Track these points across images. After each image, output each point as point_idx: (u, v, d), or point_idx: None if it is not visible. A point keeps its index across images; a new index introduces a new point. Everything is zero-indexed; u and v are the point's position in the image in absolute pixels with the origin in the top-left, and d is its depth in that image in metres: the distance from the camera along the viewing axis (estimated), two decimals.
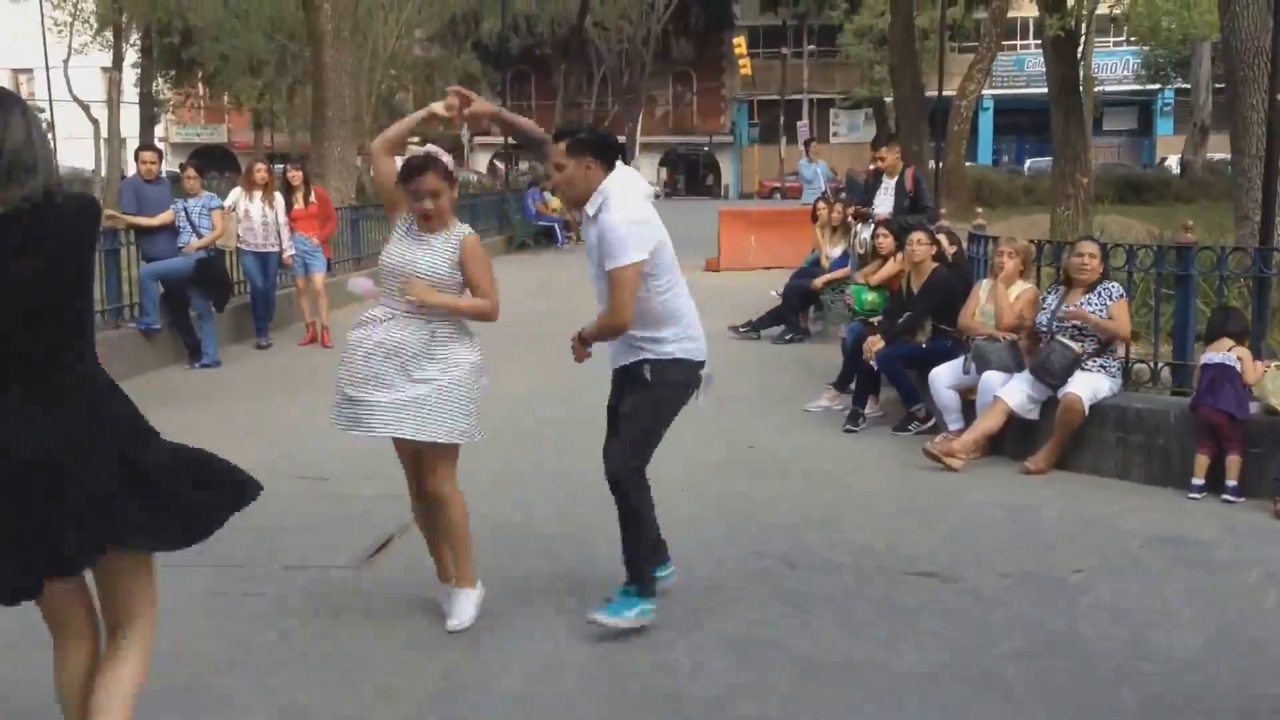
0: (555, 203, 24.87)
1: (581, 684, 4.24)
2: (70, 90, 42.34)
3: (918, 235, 8.49)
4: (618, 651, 4.51)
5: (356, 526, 6.07)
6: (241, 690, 4.18)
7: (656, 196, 18.81)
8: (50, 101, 41.44)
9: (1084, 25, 26.51)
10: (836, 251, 12.10)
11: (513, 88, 57.75)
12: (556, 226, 24.22)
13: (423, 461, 4.73)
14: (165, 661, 4.40)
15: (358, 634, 4.70)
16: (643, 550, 4.70)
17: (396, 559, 5.64)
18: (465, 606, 4.74)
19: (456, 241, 4.62)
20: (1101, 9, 32.21)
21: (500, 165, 45.19)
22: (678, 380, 4.69)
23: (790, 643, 4.59)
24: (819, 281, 11.94)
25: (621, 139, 56.32)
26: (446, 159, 4.66)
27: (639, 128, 57.82)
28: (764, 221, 20.23)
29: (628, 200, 4.50)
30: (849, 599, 5.06)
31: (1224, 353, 6.61)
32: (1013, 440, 7.33)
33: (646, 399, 4.64)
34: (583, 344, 4.77)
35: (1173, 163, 42.97)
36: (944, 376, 7.67)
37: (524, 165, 49.28)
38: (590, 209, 4.54)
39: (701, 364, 4.78)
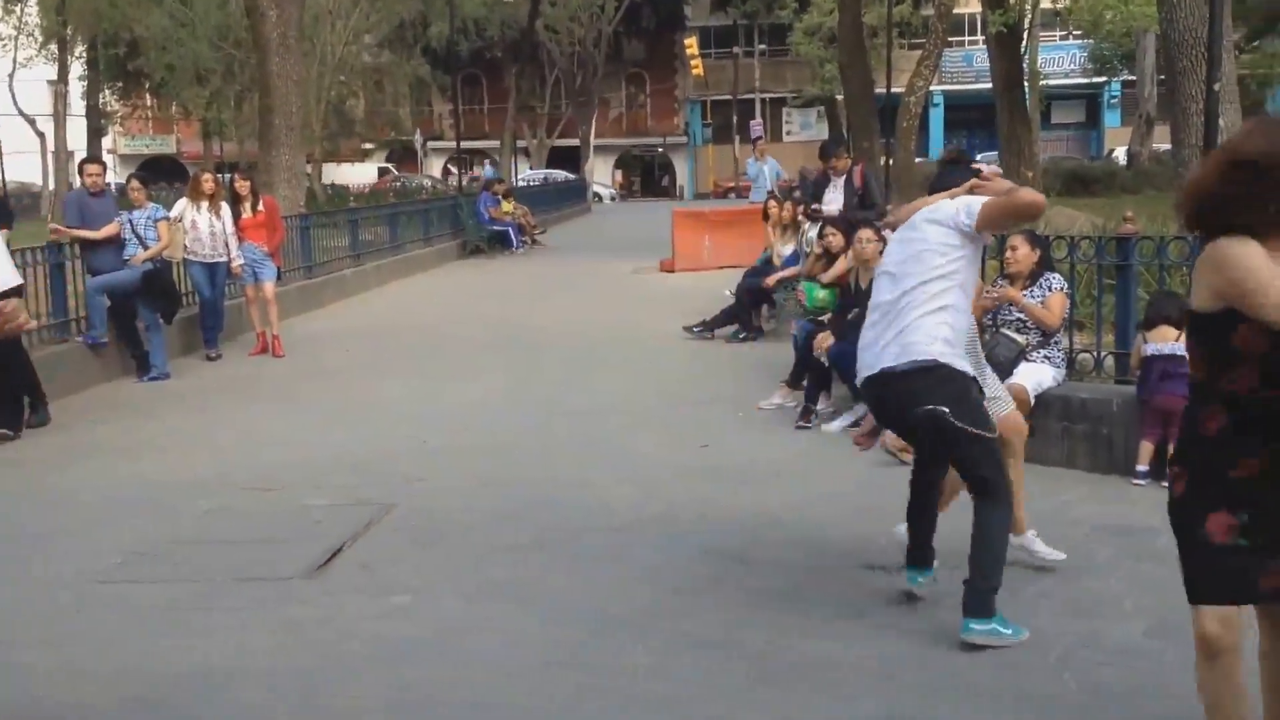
0: (508, 207, 24.82)
1: (538, 690, 4.24)
2: (15, 104, 41.81)
3: (865, 232, 8.53)
4: (573, 656, 4.51)
5: (308, 536, 6.04)
6: (201, 704, 4.14)
7: (613, 199, 18.86)
8: None
9: (1028, 20, 26.77)
10: (788, 250, 12.15)
11: (464, 92, 57.60)
12: (511, 231, 24.15)
13: None
14: (123, 678, 4.38)
15: (312, 645, 4.68)
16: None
17: (348, 567, 5.61)
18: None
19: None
20: (1045, 3, 32.50)
21: (454, 170, 45.03)
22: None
23: (748, 641, 4.61)
24: (771, 280, 11.98)
25: (575, 142, 56.47)
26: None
27: (593, 130, 57.81)
28: (718, 221, 20.26)
29: None
30: (805, 596, 5.09)
31: (1171, 343, 6.70)
32: None
33: None
34: None
35: (1120, 154, 43.44)
36: None
37: (478, 170, 49.19)
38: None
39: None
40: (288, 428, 8.78)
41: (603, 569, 5.50)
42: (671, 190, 61.37)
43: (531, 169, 54.32)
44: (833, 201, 10.92)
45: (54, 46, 40.62)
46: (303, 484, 7.06)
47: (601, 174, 59.09)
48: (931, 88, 31.05)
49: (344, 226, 18.51)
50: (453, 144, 33.19)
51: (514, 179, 43.30)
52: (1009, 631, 4.51)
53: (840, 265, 9.53)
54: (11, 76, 42.30)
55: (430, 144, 58.86)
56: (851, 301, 8.63)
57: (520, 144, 56.54)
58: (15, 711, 4.17)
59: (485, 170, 41.40)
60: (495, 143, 55.42)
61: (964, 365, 4.68)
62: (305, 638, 4.76)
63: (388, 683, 4.30)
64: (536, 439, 8.18)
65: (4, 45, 41.37)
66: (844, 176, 10.92)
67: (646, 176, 64.48)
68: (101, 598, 5.25)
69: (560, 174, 50.41)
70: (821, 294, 9.49)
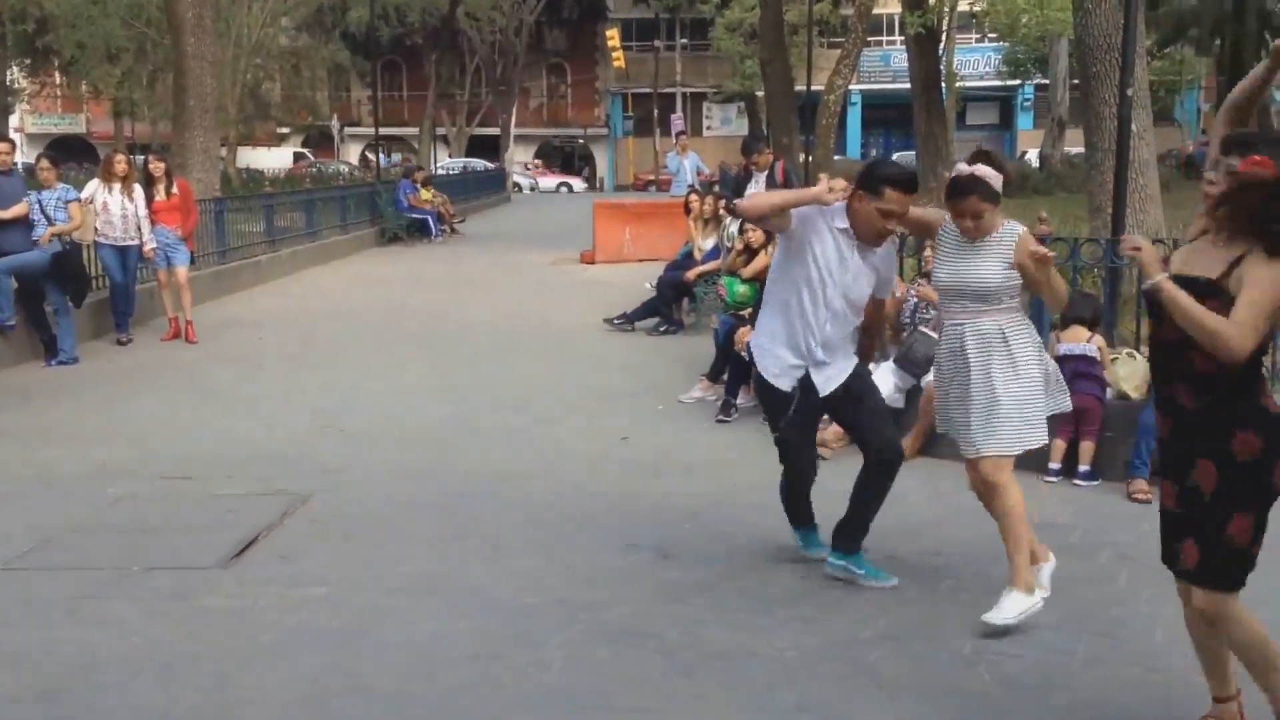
0: (427, 195, 24.60)
1: (456, 681, 4.22)
2: None
3: None
4: (491, 648, 4.49)
5: (222, 526, 5.94)
6: (104, 696, 4.06)
7: (531, 189, 18.76)
8: None
9: (945, 23, 27.15)
10: (709, 244, 12.20)
11: (383, 78, 56.95)
12: (430, 219, 23.96)
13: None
14: (24, 666, 4.28)
15: (224, 635, 4.60)
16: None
17: (263, 557, 5.53)
18: (1005, 604, 4.67)
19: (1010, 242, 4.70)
20: (962, 6, 32.98)
21: (371, 156, 44.53)
22: None
23: (666, 633, 4.63)
24: (692, 274, 12.03)
25: (495, 131, 56.13)
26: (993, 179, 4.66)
27: (513, 119, 57.52)
28: (638, 214, 20.28)
29: None
30: (723, 589, 5.12)
31: (1083, 343, 6.84)
32: None
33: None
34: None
35: (1032, 156, 44.24)
36: None
37: (396, 157, 48.68)
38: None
39: None
40: (201, 415, 8.62)
41: (520, 560, 5.49)
42: (593, 182, 61.30)
43: (450, 157, 53.91)
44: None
45: None
46: (216, 472, 6.95)
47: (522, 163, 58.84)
48: (850, 87, 31.39)
49: (259, 211, 18.22)
50: (371, 130, 32.80)
51: (433, 167, 42.96)
52: (861, 571, 5.10)
53: (761, 260, 9.59)
54: None
55: (348, 130, 58.13)
56: None
57: (440, 132, 56.09)
58: None
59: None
60: (414, 130, 54.94)
61: (764, 362, 5.13)
62: (217, 628, 4.68)
63: (301, 674, 4.25)
64: (455, 430, 8.12)
65: None
66: (766, 172, 11.01)
67: (566, 167, 64.34)
68: (4, 585, 5.11)
69: (480, 163, 50.08)
70: (742, 289, 9.54)
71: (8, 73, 42.03)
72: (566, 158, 64.10)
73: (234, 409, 8.80)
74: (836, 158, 31.70)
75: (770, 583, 5.21)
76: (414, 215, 23.86)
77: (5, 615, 4.79)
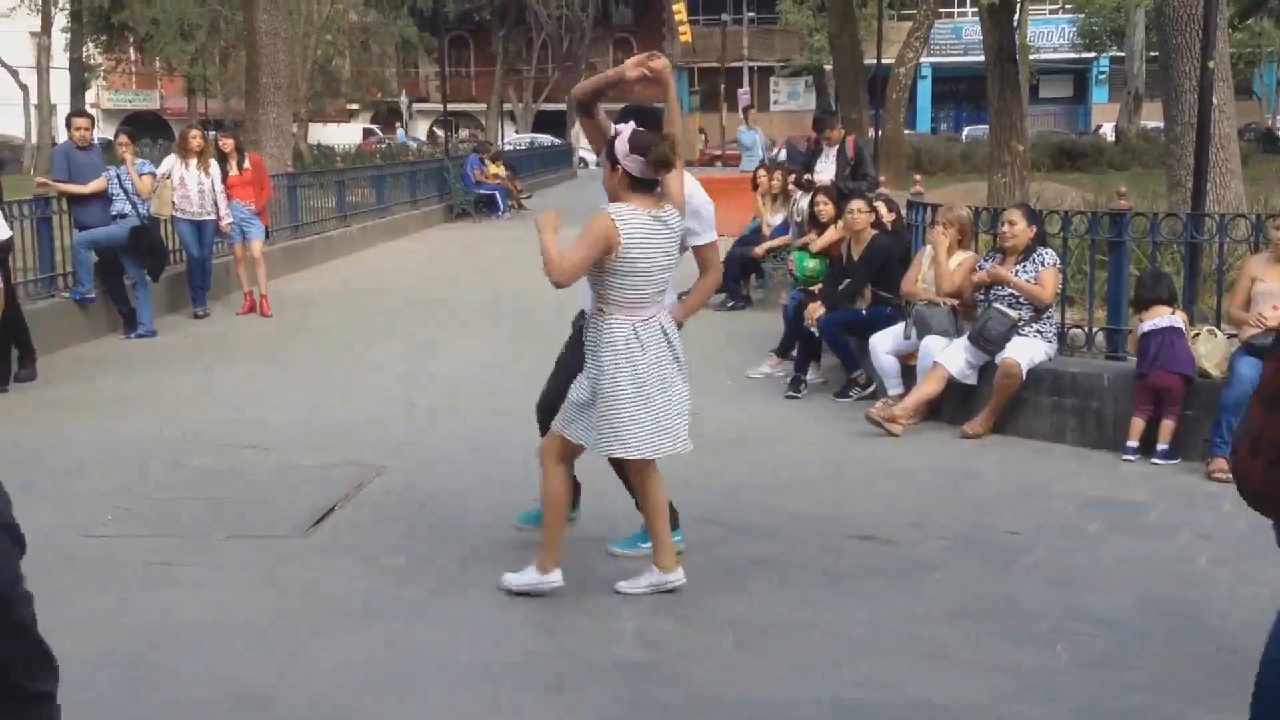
0: (494, 169, 24.69)
1: (526, 651, 4.25)
2: None
3: (857, 203, 8.54)
4: (561, 619, 4.53)
5: (298, 496, 6.03)
6: (182, 662, 4.14)
7: (597, 165, 18.66)
8: None
9: None
10: (777, 219, 12.13)
11: (450, 54, 57.16)
12: (498, 195, 24.07)
13: None
14: (105, 632, 4.38)
15: (301, 604, 4.68)
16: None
17: (340, 528, 5.61)
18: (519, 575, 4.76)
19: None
20: None
21: (440, 132, 44.76)
22: None
23: (731, 608, 4.63)
24: (760, 249, 11.97)
25: (561, 107, 56.15)
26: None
27: None
28: (706, 190, 20.18)
29: None
30: (788, 564, 5.11)
31: (1167, 316, 6.73)
32: (951, 405, 7.42)
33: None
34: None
35: (1107, 130, 43.48)
36: (883, 343, 7.75)
37: (464, 133, 48.93)
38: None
39: None
40: (276, 387, 8.74)
41: (587, 532, 5.51)
42: None
43: (517, 133, 54.07)
44: (824, 172, 10.92)
45: None
46: (292, 443, 7.05)
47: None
48: (920, 59, 31.02)
49: (331, 187, 18.42)
50: (438, 106, 33.00)
51: (500, 143, 43.11)
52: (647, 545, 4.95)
53: (831, 235, 9.53)
54: None
55: (416, 106, 58.47)
56: (843, 272, 8.65)
57: (506, 108, 56.24)
58: None
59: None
60: (481, 106, 55.26)
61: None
62: (295, 597, 4.76)
63: (378, 643, 4.30)
64: (525, 403, 8.10)
65: None
66: (836, 147, 10.92)
67: None
68: (87, 552, 5.23)
69: (546, 138, 50.17)
70: (811, 264, 9.48)
71: (84, 49, 42.75)
72: None
73: (308, 381, 8.92)
74: (906, 132, 31.38)
75: (838, 558, 5.18)
76: (482, 191, 23.98)
77: (87, 582, 4.90)
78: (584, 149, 53.93)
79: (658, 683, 4.01)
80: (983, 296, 7.39)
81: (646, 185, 4.55)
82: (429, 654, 4.22)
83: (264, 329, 11.38)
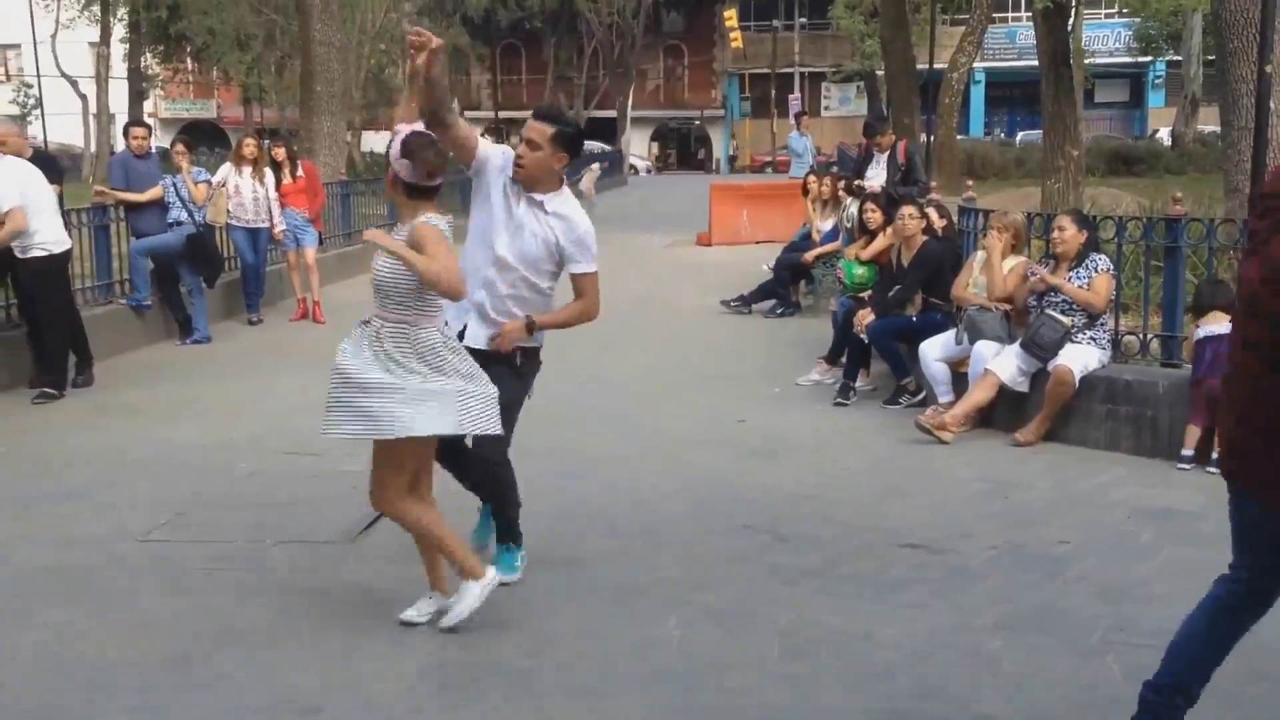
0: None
1: (572, 658, 4.26)
2: (58, 65, 42.05)
3: (908, 209, 8.49)
4: (606, 626, 4.53)
5: (347, 502, 6.06)
6: (233, 666, 4.19)
7: (648, 171, 18.61)
8: (38, 77, 41.13)
9: None
10: (827, 225, 12.09)
11: (502, 62, 57.50)
12: None
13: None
14: (155, 636, 4.43)
15: (352, 609, 4.72)
16: (511, 510, 4.98)
17: (388, 534, 5.63)
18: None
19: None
20: None
21: (491, 140, 44.96)
22: (532, 370, 4.99)
23: (778, 615, 4.61)
24: (810, 255, 11.93)
25: (612, 114, 56.22)
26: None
27: (630, 102, 57.60)
28: (756, 196, 20.19)
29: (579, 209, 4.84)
30: (838, 573, 5.08)
31: (1225, 323, 6.62)
32: (1003, 412, 7.35)
33: (514, 382, 4.79)
34: (528, 331, 4.78)
35: (1164, 135, 42.92)
36: (933, 350, 7.70)
37: (514, 140, 49.05)
38: (549, 204, 4.70)
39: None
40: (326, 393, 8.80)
41: (631, 541, 5.51)
42: (707, 164, 61.14)
43: None
44: (875, 178, 10.88)
45: (96, 7, 40.79)
46: (342, 450, 7.07)
47: (638, 146, 58.92)
48: (973, 64, 30.77)
49: (383, 194, 18.54)
50: (489, 114, 33.16)
51: None
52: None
53: (880, 242, 9.48)
54: (54, 37, 42.53)
55: (467, 114, 58.80)
56: (893, 279, 8.59)
57: None
58: (40, 664, 4.24)
59: None
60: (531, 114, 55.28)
61: None
62: (345, 602, 4.80)
63: (425, 649, 4.32)
64: (568, 410, 8.17)
65: (47, 6, 41.60)
66: (887, 153, 10.87)
67: (682, 149, 64.24)
68: (139, 556, 5.30)
69: (596, 145, 50.29)
70: (861, 271, 9.43)
71: (142, 59, 43.41)
72: (683, 140, 64.01)
73: None
74: (960, 138, 31.13)
75: (885, 568, 5.15)
76: None
77: (138, 585, 4.96)
78: (634, 156, 54.10)
79: (701, 691, 3.99)
80: (1036, 303, 7.32)
81: (426, 193, 4.34)
82: (476, 660, 4.23)
83: (317, 335, 11.49)
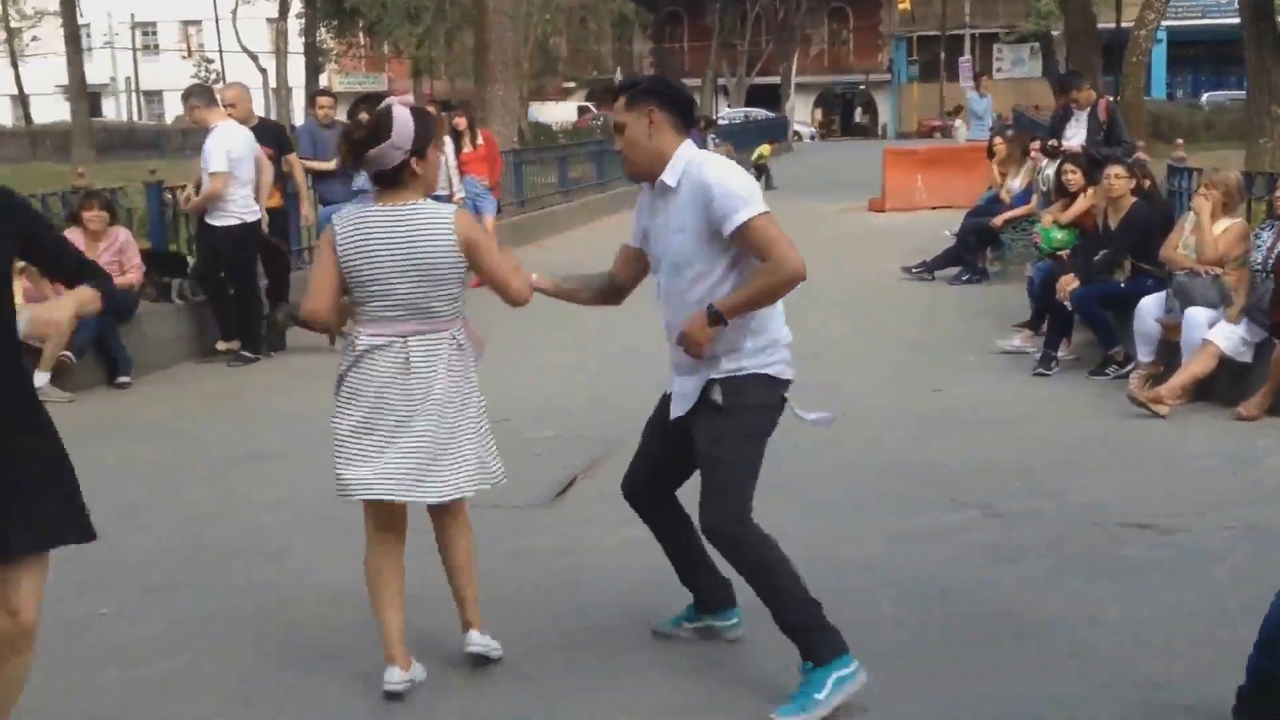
0: (726, 148, 24.63)
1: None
2: (239, 40, 43.51)
3: (1115, 169, 8.02)
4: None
5: (539, 467, 6.02)
6: (426, 619, 4.14)
7: (813, 138, 18.18)
8: (220, 52, 42.64)
9: None
10: (1017, 185, 11.59)
11: (665, 29, 57.37)
12: None
13: None
14: (350, 601, 4.39)
15: (554, 572, 4.69)
16: (792, 611, 3.61)
17: (584, 498, 5.59)
18: None
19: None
20: None
21: None
22: (758, 402, 3.68)
23: (1000, 596, 4.36)
24: (999, 219, 11.46)
25: (774, 80, 55.58)
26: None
27: (794, 67, 56.83)
28: (931, 160, 19.63)
29: (730, 163, 3.66)
30: (1060, 552, 4.79)
31: None
32: (1223, 384, 6.89)
33: (727, 431, 3.63)
34: (712, 323, 3.51)
35: None
36: (1153, 308, 7.26)
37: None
38: (669, 177, 3.61)
39: (788, 384, 3.79)
40: (510, 360, 8.80)
41: (833, 514, 5.32)
42: (873, 129, 59.98)
43: (730, 107, 53.85)
44: (1074, 137, 10.32)
45: None
46: (526, 416, 7.06)
47: (801, 112, 58.16)
48: (1160, 21, 29.32)
49: (553, 163, 18.63)
50: None
51: (715, 117, 42.97)
52: None
53: (1080, 204, 9.04)
54: (234, 14, 44.02)
55: None
56: (1097, 243, 8.16)
57: (720, 82, 56.05)
58: (237, 621, 4.32)
59: None
60: (694, 80, 55.01)
61: None
62: (546, 565, 4.76)
63: (631, 613, 4.24)
64: None
65: None
66: (1087, 110, 10.31)
67: (847, 115, 63.19)
68: (330, 519, 5.33)
69: (760, 112, 49.80)
70: (1060, 235, 9.00)
71: (317, 34, 44.61)
72: (847, 105, 62.97)
73: (539, 355, 8.96)
74: (1144, 98, 29.74)
75: (1112, 547, 4.84)
76: None
77: (325, 553, 4.98)
78: (799, 123, 53.41)
79: (924, 678, 3.78)
80: (1260, 267, 6.83)
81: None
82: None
83: (495, 303, 11.52)
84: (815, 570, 4.62)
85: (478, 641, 3.88)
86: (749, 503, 3.64)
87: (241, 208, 8.69)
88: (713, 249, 3.57)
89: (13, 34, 42.06)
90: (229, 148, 8.53)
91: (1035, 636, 4.04)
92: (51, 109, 51.32)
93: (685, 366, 3.68)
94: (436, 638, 4.06)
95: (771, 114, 49.43)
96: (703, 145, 23.83)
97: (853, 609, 4.27)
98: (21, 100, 49.40)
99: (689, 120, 3.74)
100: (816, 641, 3.55)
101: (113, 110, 61.99)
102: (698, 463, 3.70)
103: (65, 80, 35.43)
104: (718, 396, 3.61)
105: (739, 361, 3.62)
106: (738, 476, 3.63)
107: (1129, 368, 7.58)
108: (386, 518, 3.85)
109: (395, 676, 3.69)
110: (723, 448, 3.61)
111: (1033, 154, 11.29)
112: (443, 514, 3.92)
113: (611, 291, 4.16)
